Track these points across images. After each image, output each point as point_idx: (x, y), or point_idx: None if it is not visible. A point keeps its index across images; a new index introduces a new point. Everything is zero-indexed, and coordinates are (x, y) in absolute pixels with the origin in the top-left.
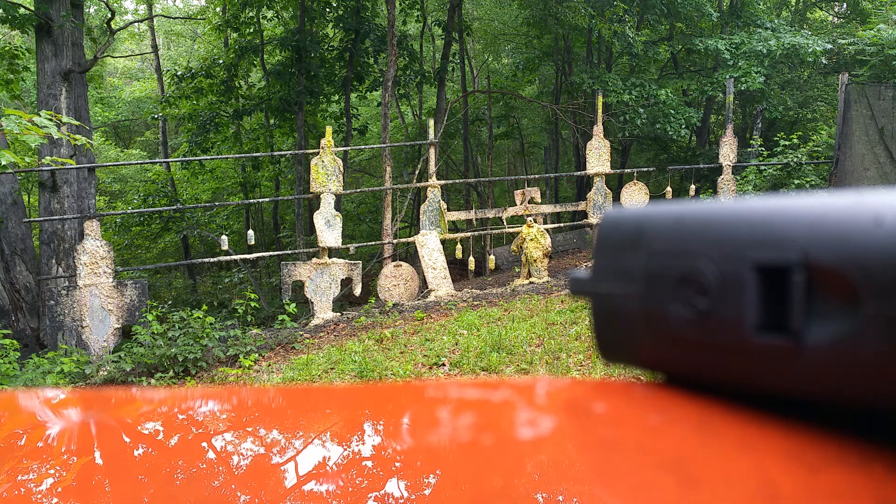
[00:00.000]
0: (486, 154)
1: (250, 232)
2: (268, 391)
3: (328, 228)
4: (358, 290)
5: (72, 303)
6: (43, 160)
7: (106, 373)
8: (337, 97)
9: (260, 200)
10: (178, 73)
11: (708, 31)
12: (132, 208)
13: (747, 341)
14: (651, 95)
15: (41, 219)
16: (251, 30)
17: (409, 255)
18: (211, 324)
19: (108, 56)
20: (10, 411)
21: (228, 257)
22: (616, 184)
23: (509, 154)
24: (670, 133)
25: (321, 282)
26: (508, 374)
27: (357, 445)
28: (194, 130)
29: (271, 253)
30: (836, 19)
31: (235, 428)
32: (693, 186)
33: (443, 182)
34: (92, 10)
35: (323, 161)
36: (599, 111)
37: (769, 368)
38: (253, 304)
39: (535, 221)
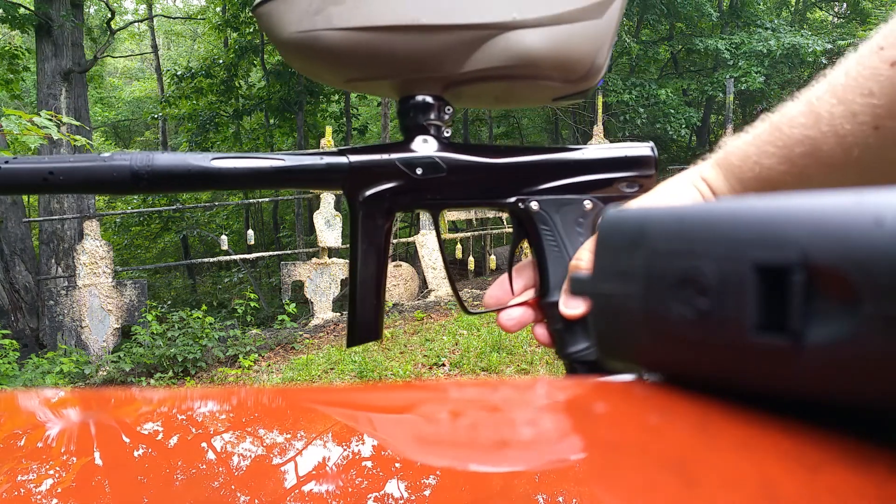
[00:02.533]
0: None
1: (250, 232)
2: (267, 391)
3: (328, 228)
4: None
5: (71, 303)
6: None
7: (105, 373)
8: (337, 97)
9: (260, 200)
10: (178, 73)
11: (708, 31)
12: (131, 208)
13: (747, 341)
14: (651, 95)
15: (41, 219)
16: (251, 29)
17: (409, 255)
18: (210, 324)
19: (108, 56)
20: (10, 411)
21: (228, 257)
22: None
23: None
24: (670, 133)
25: (321, 282)
26: (508, 374)
27: (357, 445)
28: (194, 130)
29: (271, 253)
30: (836, 19)
31: (235, 428)
32: None
33: None
34: (92, 10)
35: None
36: (599, 111)
37: (769, 368)
38: (253, 304)
39: None
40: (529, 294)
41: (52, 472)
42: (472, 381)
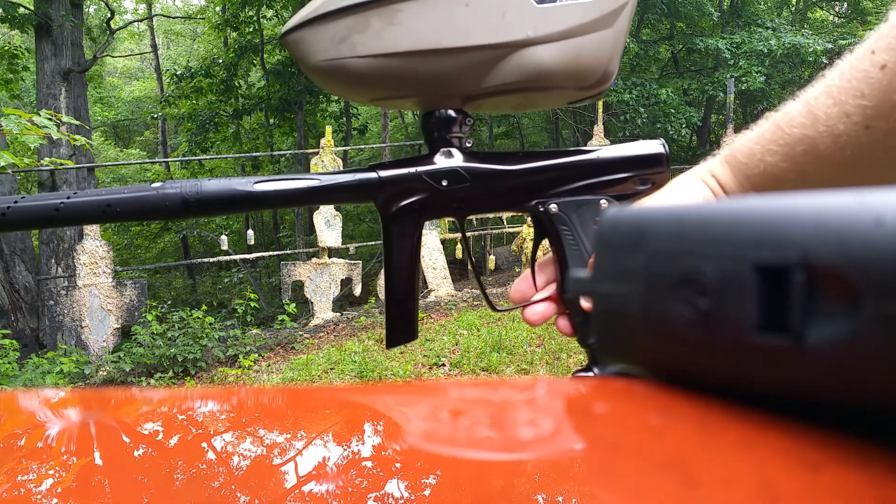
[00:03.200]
0: None
1: (250, 232)
2: (268, 391)
3: (328, 228)
4: (358, 290)
5: (71, 303)
6: (42, 160)
7: (105, 373)
8: (337, 97)
9: None
10: (178, 72)
11: (708, 31)
12: None
13: (748, 341)
14: (651, 95)
15: None
16: (251, 29)
17: None
18: (210, 324)
19: (107, 56)
20: (10, 411)
21: (228, 257)
22: None
23: None
24: (671, 133)
25: (321, 282)
26: (508, 374)
27: (357, 445)
28: (194, 130)
29: (271, 253)
30: (836, 19)
31: (235, 428)
32: None
33: None
34: (91, 10)
35: (323, 161)
36: (600, 111)
37: (769, 368)
38: (253, 304)
39: None
40: (552, 289)
41: (52, 472)
42: (472, 381)
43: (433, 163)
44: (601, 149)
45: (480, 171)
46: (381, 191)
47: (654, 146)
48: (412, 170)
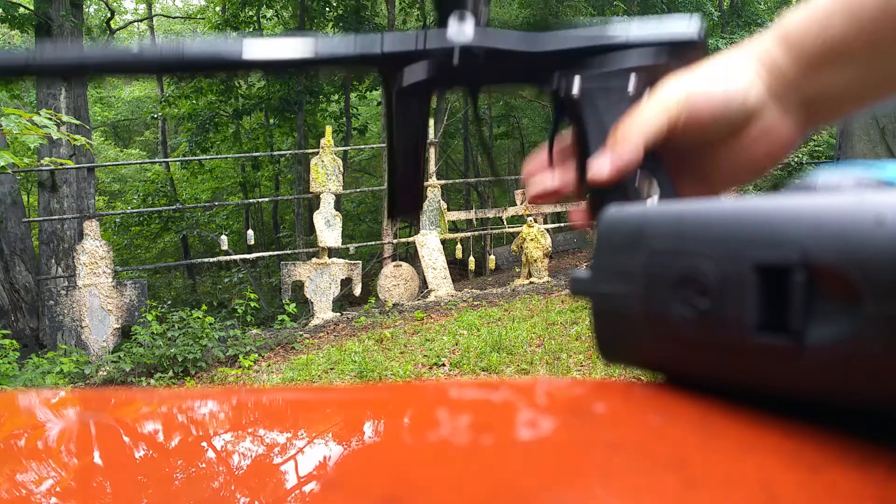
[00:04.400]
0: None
1: (250, 232)
2: (267, 391)
3: (328, 228)
4: (358, 290)
5: (71, 303)
6: (42, 160)
7: (105, 373)
8: (337, 97)
9: (259, 200)
10: None
11: (708, 31)
12: (131, 208)
13: (748, 341)
14: None
15: (40, 219)
16: (251, 29)
17: (409, 255)
18: (210, 324)
19: None
20: (10, 411)
21: (228, 257)
22: None
23: (509, 154)
24: None
25: (321, 282)
26: (509, 374)
27: (357, 445)
28: (193, 130)
29: (271, 253)
30: None
31: (235, 428)
32: None
33: (443, 182)
34: (91, 10)
35: (323, 161)
36: None
37: (769, 368)
38: (253, 304)
39: (536, 221)
40: (569, 175)
41: (52, 472)
42: (472, 382)
43: (444, 31)
44: (630, 25)
45: (495, 43)
46: (386, 59)
47: (689, 30)
48: (421, 37)
